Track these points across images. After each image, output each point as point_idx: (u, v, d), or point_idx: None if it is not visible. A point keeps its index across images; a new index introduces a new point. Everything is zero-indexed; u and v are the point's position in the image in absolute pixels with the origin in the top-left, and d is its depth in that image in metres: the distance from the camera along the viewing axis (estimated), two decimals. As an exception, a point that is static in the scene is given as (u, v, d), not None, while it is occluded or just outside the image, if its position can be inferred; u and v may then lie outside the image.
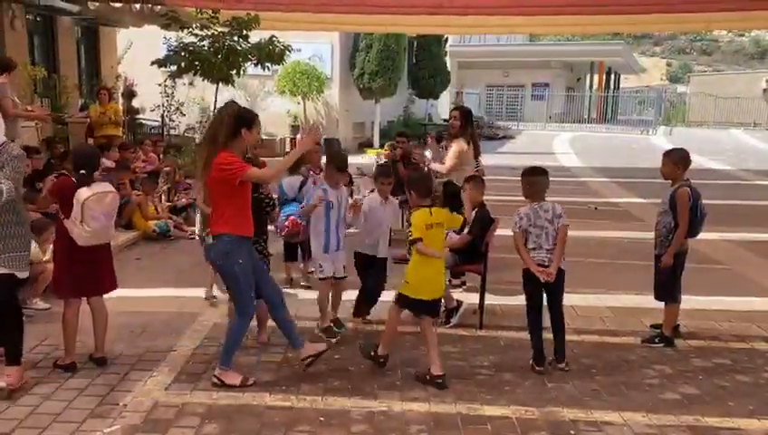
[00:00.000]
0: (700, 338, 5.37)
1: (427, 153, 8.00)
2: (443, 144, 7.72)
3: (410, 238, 4.37)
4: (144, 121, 15.21)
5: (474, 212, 5.66)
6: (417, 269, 4.38)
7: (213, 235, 4.22)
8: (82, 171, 4.32)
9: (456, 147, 6.07)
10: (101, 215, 4.32)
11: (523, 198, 4.83)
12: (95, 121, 10.41)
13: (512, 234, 4.74)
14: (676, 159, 5.28)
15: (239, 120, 4.17)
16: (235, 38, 13.63)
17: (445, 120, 23.02)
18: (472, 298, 5.75)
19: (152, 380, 4.36)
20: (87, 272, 4.37)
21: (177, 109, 14.65)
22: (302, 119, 19.89)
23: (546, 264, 4.62)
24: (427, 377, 4.37)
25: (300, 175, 6.38)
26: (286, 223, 5.79)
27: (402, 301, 4.47)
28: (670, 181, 5.29)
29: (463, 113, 6.38)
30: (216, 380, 4.27)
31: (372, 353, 4.54)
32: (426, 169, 6.80)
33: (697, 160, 20.49)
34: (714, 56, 75.89)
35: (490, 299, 5.93)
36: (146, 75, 14.90)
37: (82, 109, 11.66)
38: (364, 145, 21.47)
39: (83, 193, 4.24)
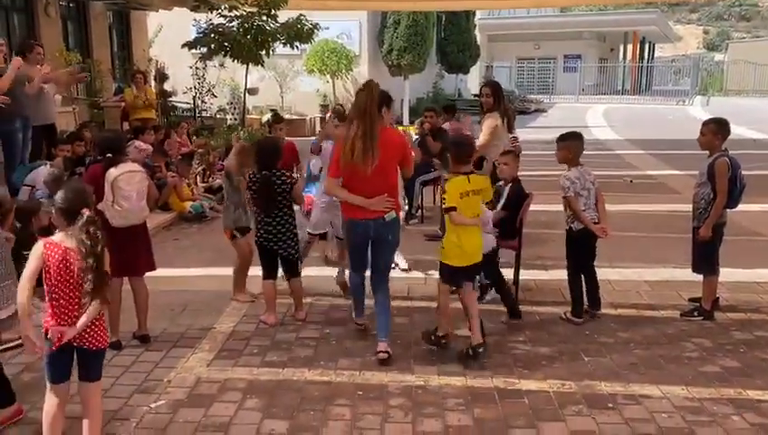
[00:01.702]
0: (740, 311, 5.29)
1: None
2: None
3: (444, 206, 4.38)
4: (177, 104, 15.40)
5: (508, 188, 5.62)
6: (452, 236, 4.40)
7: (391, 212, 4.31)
8: (109, 154, 4.43)
9: (490, 122, 6.01)
10: (132, 193, 4.42)
11: (556, 172, 4.82)
12: (130, 105, 10.57)
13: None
14: (715, 129, 5.16)
15: (384, 97, 4.27)
16: (264, 18, 13.67)
17: (475, 96, 22.83)
18: (507, 274, 5.73)
19: (194, 356, 4.47)
20: (126, 254, 4.47)
21: (209, 90, 14.76)
22: (331, 98, 19.89)
23: (597, 221, 5.01)
24: (468, 350, 4.37)
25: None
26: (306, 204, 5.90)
27: (444, 272, 4.47)
28: (707, 152, 5.18)
29: (494, 88, 6.31)
30: None
31: (433, 338, 4.50)
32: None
33: (736, 130, 20.00)
34: (753, 22, 73.22)
35: (525, 275, 5.92)
36: (176, 58, 15.08)
37: (117, 93, 11.84)
38: (393, 122, 21.40)
39: (112, 173, 4.35)
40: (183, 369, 4.29)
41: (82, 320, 3.02)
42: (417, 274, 6.15)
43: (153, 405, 3.82)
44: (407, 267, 6.07)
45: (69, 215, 2.99)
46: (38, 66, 7.70)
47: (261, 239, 5.00)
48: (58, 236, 3.04)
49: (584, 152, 5.18)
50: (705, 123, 5.27)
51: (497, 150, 5.94)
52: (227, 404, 3.83)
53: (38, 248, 2.99)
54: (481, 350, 4.35)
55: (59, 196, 3.06)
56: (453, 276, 4.46)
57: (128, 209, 4.41)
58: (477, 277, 5.27)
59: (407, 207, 6.75)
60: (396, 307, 5.30)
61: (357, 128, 4.15)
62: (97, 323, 3.09)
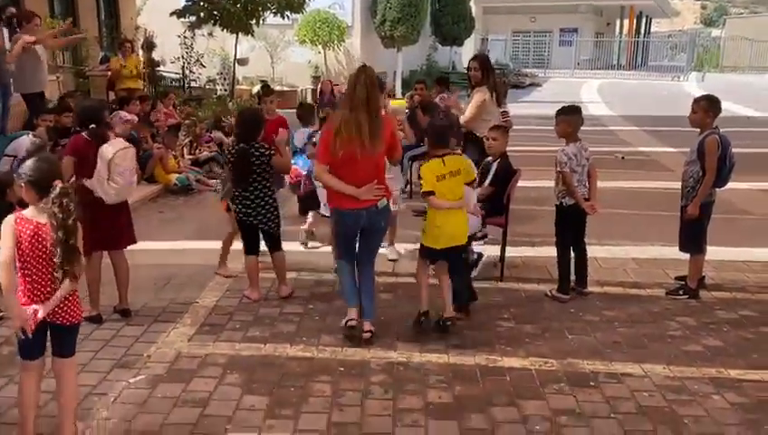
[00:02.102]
0: (726, 290, 5.29)
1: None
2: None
3: (422, 191, 4.33)
4: (165, 74, 15.16)
5: (495, 163, 5.56)
6: (433, 219, 4.35)
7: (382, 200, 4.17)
8: (92, 125, 4.34)
9: (477, 97, 5.91)
10: (126, 170, 4.37)
11: (549, 148, 4.77)
12: (116, 74, 10.39)
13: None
14: (707, 107, 5.10)
15: (381, 84, 4.14)
16: (255, -14, 13.43)
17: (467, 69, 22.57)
18: (493, 251, 5.70)
19: (175, 331, 4.43)
20: (106, 228, 4.42)
21: (197, 60, 14.53)
22: (323, 69, 19.65)
23: (587, 198, 5.02)
24: (439, 322, 4.39)
25: (310, 127, 6.35)
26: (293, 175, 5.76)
27: (424, 252, 4.47)
28: (698, 129, 5.12)
29: (482, 62, 6.19)
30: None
31: (419, 319, 4.47)
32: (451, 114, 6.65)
33: (730, 108, 19.99)
34: (751, -3, 72.65)
35: (512, 251, 5.89)
36: (165, 27, 14.79)
37: (103, 62, 11.63)
38: (387, 95, 21.18)
39: (109, 150, 4.27)
40: (164, 344, 4.25)
41: (55, 297, 2.95)
42: (403, 249, 6.10)
43: (132, 380, 3.79)
44: (396, 258, 5.85)
45: (40, 187, 2.90)
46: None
47: (240, 214, 4.91)
48: (29, 211, 2.95)
49: (581, 127, 5.14)
50: (697, 100, 5.21)
51: (486, 125, 5.86)
52: (207, 380, 3.80)
53: (9, 223, 2.90)
54: (449, 323, 4.37)
55: (27, 168, 2.95)
56: (431, 256, 4.44)
57: (122, 186, 4.37)
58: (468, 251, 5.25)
59: (404, 185, 6.55)
60: (381, 283, 5.26)
61: (356, 115, 3.94)
62: (70, 298, 3.03)
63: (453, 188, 4.34)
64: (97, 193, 4.30)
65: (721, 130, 5.08)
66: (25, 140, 6.57)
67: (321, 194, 5.51)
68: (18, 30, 8.08)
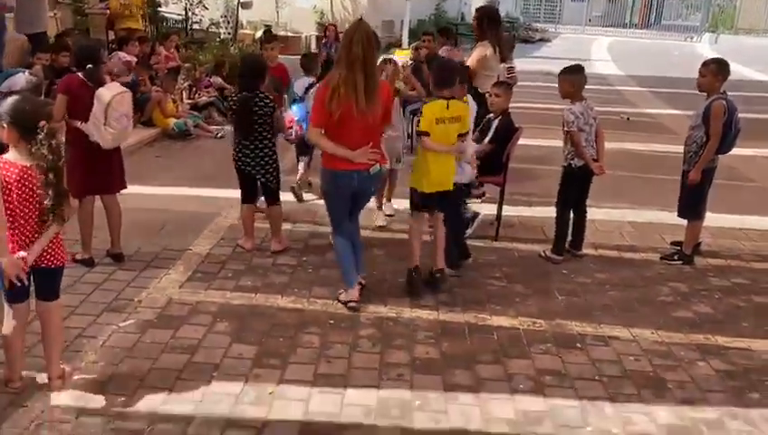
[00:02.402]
0: (721, 257, 5.27)
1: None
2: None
3: (417, 129, 4.27)
4: (167, 15, 14.83)
5: (497, 120, 5.47)
6: (422, 161, 4.29)
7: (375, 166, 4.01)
8: (89, 66, 4.25)
9: (479, 51, 5.75)
10: (123, 115, 4.30)
11: (555, 106, 4.69)
12: (115, 13, 10.15)
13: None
14: (716, 70, 4.99)
15: (377, 42, 3.90)
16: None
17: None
18: (490, 209, 5.66)
19: (167, 277, 4.44)
20: (98, 173, 4.39)
21: (200, 2, 14.19)
22: (328, 16, 19.22)
23: (595, 159, 4.94)
24: (430, 272, 4.40)
25: (312, 77, 6.21)
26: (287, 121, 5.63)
27: (414, 196, 4.39)
28: (705, 94, 5.02)
29: (484, 15, 5.98)
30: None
31: (412, 273, 4.40)
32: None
33: (742, 71, 19.65)
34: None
35: (508, 211, 5.85)
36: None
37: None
38: (393, 45, 20.79)
39: (106, 94, 4.19)
40: (155, 289, 4.26)
41: (41, 241, 2.93)
42: (396, 205, 6.05)
43: (122, 324, 3.81)
44: (391, 213, 5.70)
45: (23, 129, 2.83)
46: None
47: (239, 163, 4.85)
48: (11, 154, 2.88)
49: (585, 86, 5.04)
50: (705, 64, 5.09)
51: (489, 81, 5.74)
52: (197, 327, 3.82)
53: None
54: (438, 275, 4.38)
55: (9, 107, 2.84)
56: (422, 201, 4.38)
57: (119, 131, 4.30)
58: (464, 209, 5.21)
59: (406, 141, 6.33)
60: (375, 238, 5.27)
61: (353, 74, 3.74)
62: (54, 240, 3.00)
63: (449, 133, 4.26)
64: (93, 138, 4.23)
65: (730, 94, 4.98)
66: (21, 78, 6.45)
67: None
68: None
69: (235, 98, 4.81)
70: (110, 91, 4.24)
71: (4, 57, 7.32)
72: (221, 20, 16.76)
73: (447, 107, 4.20)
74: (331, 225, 4.31)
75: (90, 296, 4.12)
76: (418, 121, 4.32)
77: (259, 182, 4.91)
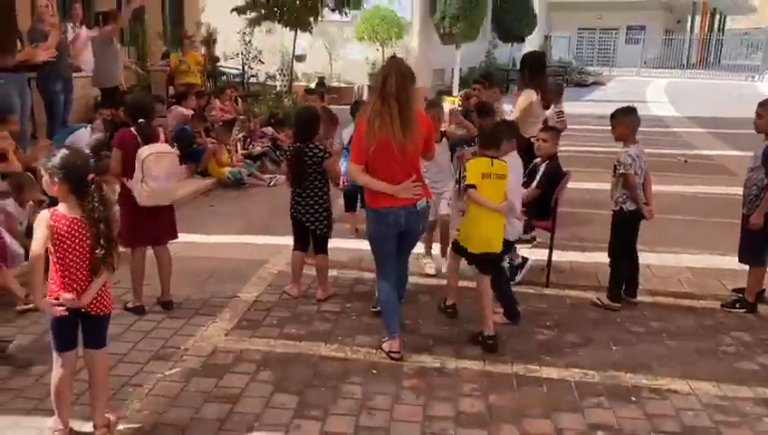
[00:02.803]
0: (788, 305, 4.98)
1: (507, 106, 7.59)
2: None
3: (464, 184, 4.24)
4: (226, 70, 15.46)
5: (544, 165, 5.41)
6: (469, 218, 4.25)
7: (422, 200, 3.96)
8: (141, 120, 4.41)
9: (523, 99, 5.73)
10: (161, 175, 4.36)
11: (606, 149, 4.60)
12: (175, 70, 10.64)
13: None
14: (774, 111, 4.80)
15: (412, 76, 3.83)
16: (313, -17, 13.52)
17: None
18: (541, 255, 5.54)
19: (214, 325, 4.48)
20: (148, 225, 4.50)
21: (256, 57, 14.73)
22: (380, 66, 19.63)
23: (645, 202, 4.85)
24: (479, 338, 4.23)
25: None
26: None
27: (456, 247, 4.42)
28: (764, 135, 4.83)
29: (527, 61, 5.97)
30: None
31: (441, 305, 4.48)
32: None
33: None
34: (837, -7, 68.50)
35: (560, 256, 5.72)
36: (228, 23, 15.05)
37: (164, 57, 11.94)
38: (443, 93, 21.02)
39: (144, 151, 4.32)
40: (201, 337, 4.30)
41: (92, 288, 3.00)
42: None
43: (167, 372, 3.84)
44: (433, 272, 5.48)
45: (73, 183, 2.93)
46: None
47: (292, 211, 4.94)
48: (62, 207, 2.97)
49: (640, 129, 4.94)
50: (763, 104, 4.91)
51: (534, 127, 5.68)
52: (240, 375, 3.82)
53: (43, 219, 2.92)
54: (491, 342, 4.15)
55: (60, 162, 2.92)
56: (465, 256, 4.34)
57: (155, 189, 4.35)
58: (507, 258, 5.09)
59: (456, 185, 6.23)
60: (421, 284, 5.21)
61: (388, 107, 3.73)
62: (103, 289, 3.06)
63: (496, 190, 4.21)
64: (134, 193, 4.36)
65: None
66: (84, 133, 6.80)
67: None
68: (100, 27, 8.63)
69: (288, 149, 4.94)
70: (148, 149, 4.33)
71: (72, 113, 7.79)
72: (277, 73, 17.36)
73: (492, 164, 4.17)
74: (376, 269, 4.19)
75: (138, 344, 4.19)
76: (463, 168, 4.30)
77: (311, 233, 4.94)
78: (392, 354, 4.02)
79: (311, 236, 4.98)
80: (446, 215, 5.43)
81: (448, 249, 4.52)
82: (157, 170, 4.32)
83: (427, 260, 5.57)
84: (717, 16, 41.39)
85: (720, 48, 39.11)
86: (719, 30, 41.42)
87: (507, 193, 4.34)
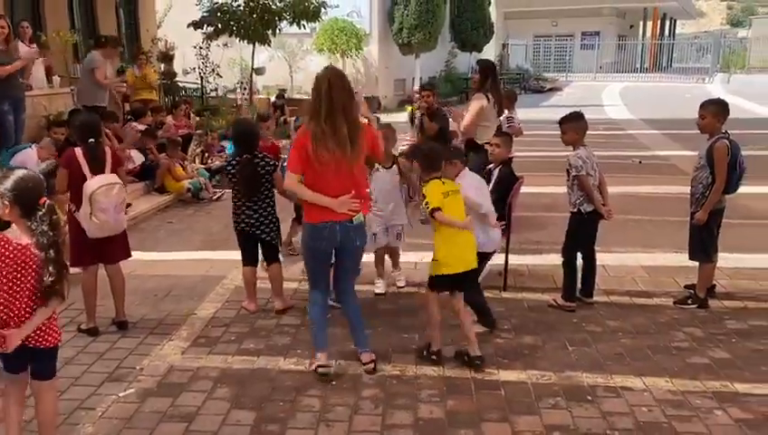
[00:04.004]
0: (737, 299, 5.11)
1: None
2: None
3: (428, 209, 3.98)
4: (185, 84, 15.31)
5: (497, 170, 5.46)
6: (442, 242, 4.05)
7: (358, 215, 3.82)
8: (91, 140, 4.34)
9: (475, 104, 5.80)
10: (110, 207, 4.30)
11: (563, 153, 4.67)
12: (131, 86, 10.50)
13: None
14: (716, 111, 4.96)
15: (349, 87, 3.75)
16: (270, -4, 13.52)
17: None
18: (498, 259, 5.58)
19: (170, 343, 4.41)
20: (99, 243, 4.42)
21: (213, 70, 14.64)
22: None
23: (603, 202, 4.92)
24: (466, 358, 4.10)
25: None
26: None
27: (435, 283, 4.11)
28: (707, 135, 4.98)
29: (482, 68, 6.06)
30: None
31: (425, 353, 4.18)
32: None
33: (755, 109, 19.46)
34: (780, -4, 71.08)
35: (518, 260, 5.80)
36: (186, 38, 14.93)
37: (119, 73, 11.76)
38: (405, 102, 21.15)
39: (92, 185, 4.23)
40: (157, 356, 4.23)
41: (34, 320, 2.84)
42: (407, 258, 6.01)
43: (121, 394, 3.77)
44: (403, 285, 5.41)
45: (25, 206, 2.79)
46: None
47: (243, 225, 4.88)
48: (11, 232, 2.83)
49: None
50: (705, 105, 5.06)
51: (486, 132, 5.75)
52: (196, 393, 3.77)
53: None
54: (479, 363, 4.03)
55: (12, 185, 2.79)
56: (445, 285, 4.09)
57: (105, 222, 4.30)
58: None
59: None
60: (374, 293, 5.21)
61: (330, 119, 3.63)
62: (48, 320, 2.92)
63: (458, 206, 4.08)
64: (82, 224, 4.27)
65: (747, 131, 4.93)
66: (30, 153, 6.64)
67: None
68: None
69: (234, 161, 4.87)
70: (96, 183, 4.25)
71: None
72: (237, 86, 17.26)
73: (443, 183, 4.06)
74: (309, 285, 4.06)
75: (91, 366, 4.10)
76: (423, 197, 4.05)
77: (259, 242, 4.90)
78: (320, 369, 3.90)
79: (261, 248, 4.95)
80: (398, 249, 5.42)
81: (426, 293, 4.23)
82: (106, 203, 4.25)
83: (377, 282, 5.34)
84: (668, 21, 42.54)
85: (671, 52, 40.18)
86: (670, 34, 42.57)
87: (476, 205, 4.36)
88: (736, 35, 47.55)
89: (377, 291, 5.30)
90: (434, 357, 4.12)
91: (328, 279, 4.00)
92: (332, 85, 3.68)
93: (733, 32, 53.02)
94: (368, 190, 4.17)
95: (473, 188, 4.46)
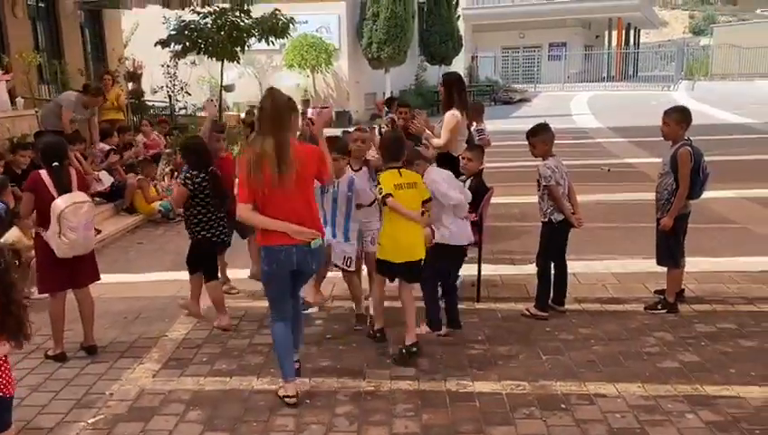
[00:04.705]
0: (706, 302, 5.20)
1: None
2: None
3: (381, 195, 4.16)
4: (154, 103, 15.19)
5: (469, 181, 5.50)
6: (388, 229, 4.24)
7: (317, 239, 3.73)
8: (55, 163, 4.27)
9: (449, 119, 5.85)
10: (80, 225, 4.23)
11: (534, 163, 4.86)
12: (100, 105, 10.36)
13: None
14: (678, 118, 5.06)
15: (292, 106, 3.73)
16: (237, 14, 13.48)
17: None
18: (472, 270, 5.61)
19: (141, 367, 4.34)
20: (68, 268, 4.34)
21: (182, 89, 14.55)
22: (311, 92, 19.72)
23: (572, 211, 4.98)
24: (402, 349, 4.25)
25: None
26: None
27: (378, 266, 4.37)
28: (671, 141, 5.08)
29: (445, 82, 6.11)
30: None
31: (370, 332, 4.40)
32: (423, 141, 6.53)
33: (719, 115, 19.91)
34: (739, 5, 73.20)
35: (491, 270, 5.84)
36: (154, 57, 14.82)
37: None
38: (376, 116, 21.22)
39: (60, 204, 4.17)
40: (127, 380, 4.15)
41: None
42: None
43: (90, 421, 3.68)
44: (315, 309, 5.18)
45: None
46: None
47: (214, 238, 4.99)
48: None
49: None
50: (668, 112, 5.16)
51: (461, 145, 5.78)
52: (168, 417, 3.70)
53: None
54: (414, 350, 4.21)
55: None
56: (386, 271, 4.33)
57: (74, 240, 4.23)
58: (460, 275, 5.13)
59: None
60: (350, 307, 5.18)
61: (266, 143, 3.57)
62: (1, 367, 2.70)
63: (411, 199, 4.22)
64: (51, 245, 4.20)
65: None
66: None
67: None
68: None
69: (198, 179, 4.85)
70: (64, 202, 4.18)
71: None
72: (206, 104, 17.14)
73: (400, 174, 4.22)
74: (269, 309, 3.92)
75: (59, 393, 4.00)
76: (379, 189, 4.21)
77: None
78: (287, 400, 3.78)
79: (208, 263, 5.06)
80: (374, 254, 5.25)
81: (374, 275, 4.46)
82: (75, 221, 4.18)
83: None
84: (632, 31, 43.42)
85: (637, 61, 41.00)
86: (635, 44, 43.45)
87: (445, 196, 4.44)
88: (699, 44, 48.84)
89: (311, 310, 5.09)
90: (378, 335, 4.28)
91: (290, 305, 3.87)
92: (267, 107, 3.64)
93: (695, 40, 54.44)
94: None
95: (442, 180, 4.56)
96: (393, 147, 4.34)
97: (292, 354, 3.91)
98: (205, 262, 5.01)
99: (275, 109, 3.64)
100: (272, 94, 3.71)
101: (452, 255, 4.71)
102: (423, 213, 4.32)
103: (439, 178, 4.56)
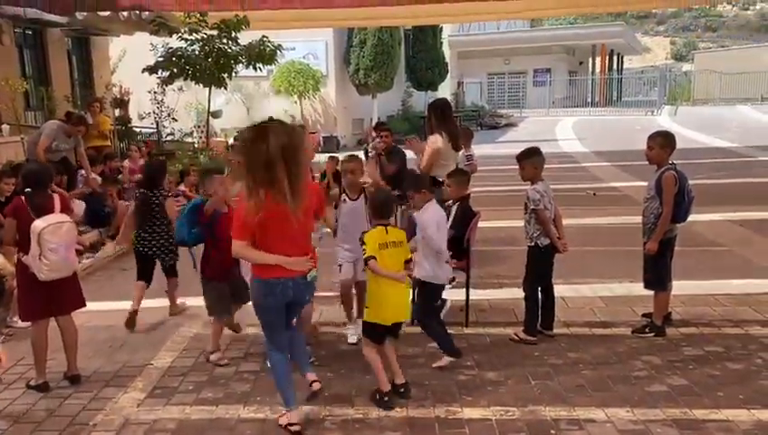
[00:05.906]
0: (693, 325, 5.21)
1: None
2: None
3: (364, 256, 4.03)
4: (141, 129, 15.18)
5: (455, 207, 5.52)
6: (375, 292, 4.05)
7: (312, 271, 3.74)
8: (28, 189, 4.24)
9: (431, 145, 5.90)
10: (60, 246, 4.19)
11: (521, 187, 4.92)
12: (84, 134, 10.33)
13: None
14: (663, 143, 5.12)
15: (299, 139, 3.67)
16: (225, 40, 13.57)
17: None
18: (460, 295, 5.61)
19: (125, 396, 4.27)
20: (51, 295, 4.29)
21: (169, 115, 14.57)
22: (299, 118, 19.79)
23: (558, 236, 5.00)
24: (395, 390, 4.12)
25: None
26: None
27: (368, 332, 4.13)
28: (656, 165, 5.13)
29: (433, 109, 6.16)
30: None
31: (377, 397, 4.10)
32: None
33: (702, 139, 20.18)
34: (719, 32, 74.75)
35: (479, 295, 5.83)
36: (142, 83, 14.85)
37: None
38: (363, 141, 21.33)
39: (38, 225, 4.12)
40: (111, 410, 4.08)
41: None
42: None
43: (73, 453, 3.62)
44: (355, 341, 4.99)
45: None
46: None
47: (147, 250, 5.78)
48: None
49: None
50: (652, 137, 5.22)
51: (445, 170, 5.82)
52: (153, 448, 3.64)
53: None
54: (402, 390, 4.11)
55: None
56: (376, 335, 4.10)
57: (55, 262, 4.18)
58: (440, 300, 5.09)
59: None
60: (341, 333, 5.15)
61: (276, 177, 3.42)
62: None
63: (396, 258, 4.07)
64: (32, 269, 4.15)
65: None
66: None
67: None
68: None
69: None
70: (43, 222, 4.14)
71: None
72: (194, 129, 17.18)
73: (387, 232, 4.08)
74: (265, 340, 3.91)
75: (42, 424, 3.93)
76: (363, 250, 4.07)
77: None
78: (291, 428, 3.74)
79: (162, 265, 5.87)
80: (364, 282, 5.19)
81: (363, 340, 4.21)
82: (55, 242, 4.14)
83: (349, 328, 5.15)
84: (615, 57, 44.08)
85: (620, 86, 41.61)
86: (618, 69, 44.10)
87: (431, 241, 4.41)
88: (681, 69, 49.71)
89: (350, 341, 5.04)
90: (386, 399, 4.06)
91: (286, 336, 3.82)
92: (266, 137, 3.45)
93: (677, 66, 55.39)
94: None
95: (433, 223, 4.52)
96: (381, 207, 4.21)
97: (292, 383, 3.85)
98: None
99: (290, 144, 3.46)
100: (272, 128, 3.50)
101: (438, 291, 4.70)
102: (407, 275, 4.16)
103: (432, 221, 4.49)
